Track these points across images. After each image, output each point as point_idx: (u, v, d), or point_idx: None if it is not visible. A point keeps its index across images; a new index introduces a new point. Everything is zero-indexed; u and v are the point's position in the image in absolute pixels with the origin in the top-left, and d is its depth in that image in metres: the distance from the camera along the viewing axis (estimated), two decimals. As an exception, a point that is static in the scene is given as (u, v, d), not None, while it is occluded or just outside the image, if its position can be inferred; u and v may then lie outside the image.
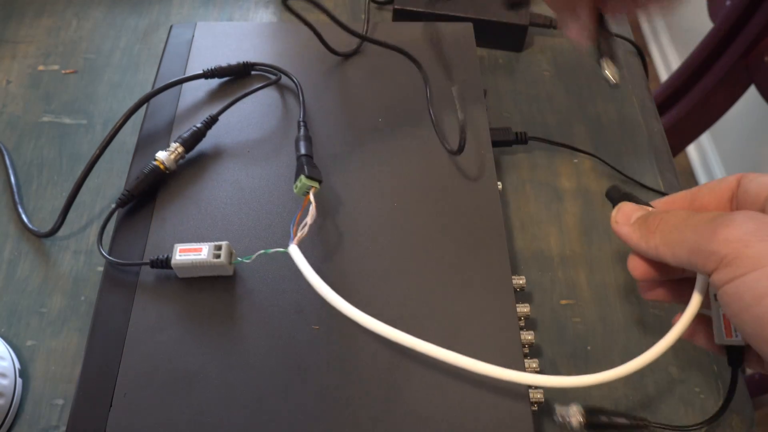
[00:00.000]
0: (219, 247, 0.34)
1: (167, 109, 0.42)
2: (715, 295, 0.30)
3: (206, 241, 0.34)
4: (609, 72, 0.32)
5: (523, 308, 0.35)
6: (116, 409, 0.31)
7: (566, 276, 0.42)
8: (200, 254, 0.33)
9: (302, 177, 0.35)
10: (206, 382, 0.31)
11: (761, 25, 0.94)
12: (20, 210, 0.43)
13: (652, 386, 0.37)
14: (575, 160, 0.48)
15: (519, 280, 0.36)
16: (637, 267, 0.32)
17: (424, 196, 0.38)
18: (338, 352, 0.32)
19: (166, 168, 0.38)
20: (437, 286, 0.35)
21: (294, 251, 0.33)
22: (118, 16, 0.56)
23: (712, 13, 1.07)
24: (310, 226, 0.33)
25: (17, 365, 0.37)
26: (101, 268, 0.41)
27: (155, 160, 0.38)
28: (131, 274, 0.35)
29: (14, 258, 0.42)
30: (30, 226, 0.42)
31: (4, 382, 0.35)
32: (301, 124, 0.40)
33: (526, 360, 0.33)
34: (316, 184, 0.35)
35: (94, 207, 0.44)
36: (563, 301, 0.41)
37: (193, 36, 0.46)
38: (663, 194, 0.46)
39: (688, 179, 1.48)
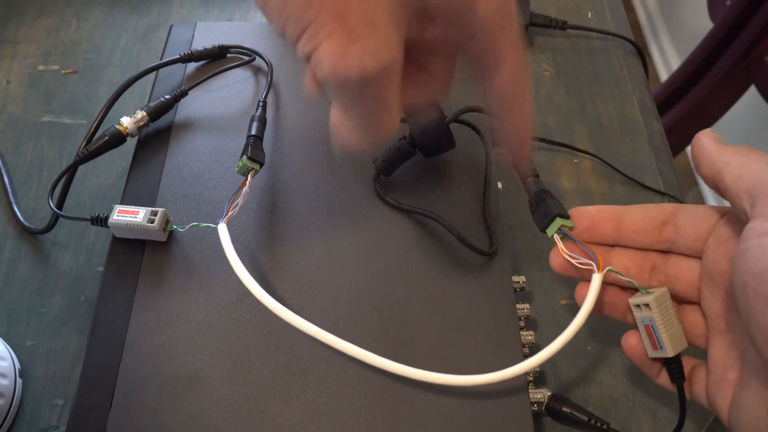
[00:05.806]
0: (155, 213, 0.35)
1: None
2: (641, 305, 0.30)
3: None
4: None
5: (523, 308, 0.35)
6: (116, 409, 0.31)
7: (566, 276, 0.42)
8: (136, 217, 0.35)
9: (244, 158, 0.35)
10: (206, 382, 0.31)
11: (761, 25, 0.94)
12: (15, 208, 0.43)
13: (653, 387, 0.37)
14: (575, 160, 0.48)
15: (519, 280, 0.36)
16: (562, 264, 0.32)
17: (421, 197, 0.38)
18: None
19: (128, 133, 0.39)
20: (436, 286, 0.35)
21: (222, 229, 0.33)
22: (118, 16, 0.56)
23: (712, 13, 1.07)
24: (241, 206, 0.34)
25: (17, 365, 0.37)
26: (101, 268, 0.41)
27: (118, 124, 0.39)
28: (132, 274, 0.35)
29: (14, 258, 0.42)
30: (26, 224, 0.42)
31: (4, 382, 0.35)
32: (260, 103, 0.40)
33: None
34: (257, 166, 0.36)
35: (94, 206, 0.44)
36: (563, 301, 0.41)
37: (193, 36, 0.46)
38: (663, 194, 0.46)
39: (688, 179, 1.48)
